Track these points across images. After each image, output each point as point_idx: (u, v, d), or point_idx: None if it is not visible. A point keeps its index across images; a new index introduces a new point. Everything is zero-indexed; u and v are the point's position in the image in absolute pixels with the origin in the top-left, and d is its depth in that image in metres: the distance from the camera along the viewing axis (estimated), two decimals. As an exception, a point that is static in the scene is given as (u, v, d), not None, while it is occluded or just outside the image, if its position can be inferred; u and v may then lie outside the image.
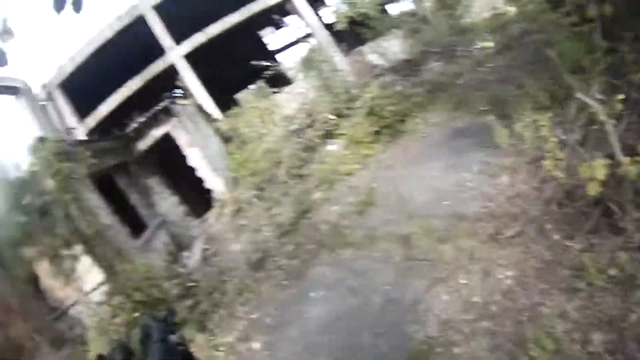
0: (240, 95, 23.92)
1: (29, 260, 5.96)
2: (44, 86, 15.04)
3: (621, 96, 4.53)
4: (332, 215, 6.79)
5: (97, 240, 6.82)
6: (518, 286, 3.39)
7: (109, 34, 14.35)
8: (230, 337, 5.50)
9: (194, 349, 5.31)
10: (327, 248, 5.93)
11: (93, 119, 14.98)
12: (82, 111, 15.08)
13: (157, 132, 10.59)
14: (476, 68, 9.63)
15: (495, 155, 5.19)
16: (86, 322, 6.69)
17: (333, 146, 9.29)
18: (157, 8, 14.29)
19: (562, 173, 3.59)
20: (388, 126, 8.50)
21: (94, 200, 7.70)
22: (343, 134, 9.04)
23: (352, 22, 11.82)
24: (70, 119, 14.96)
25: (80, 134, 14.83)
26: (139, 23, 14.27)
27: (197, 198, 11.63)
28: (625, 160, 3.05)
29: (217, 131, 13.41)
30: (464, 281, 3.81)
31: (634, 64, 4.44)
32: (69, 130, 14.80)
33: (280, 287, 5.90)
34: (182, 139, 10.48)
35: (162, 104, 10.36)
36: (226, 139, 13.30)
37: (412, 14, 13.00)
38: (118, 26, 14.29)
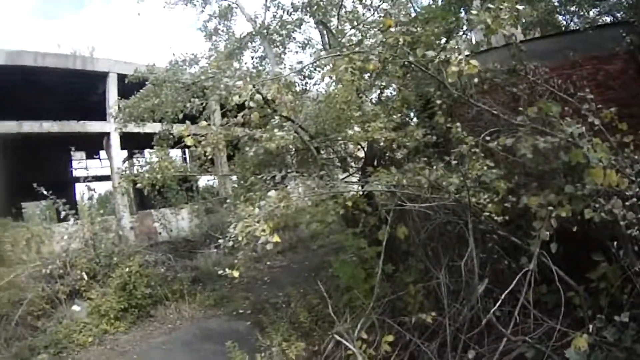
0: (27, 205, 19.30)
1: None
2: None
3: (390, 337, 4.15)
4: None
5: None
6: None
7: None
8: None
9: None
10: None
11: None
12: None
13: None
14: (257, 262, 9.33)
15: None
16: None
17: (78, 308, 8.15)
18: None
19: None
20: (138, 307, 7.73)
21: None
22: (92, 299, 7.92)
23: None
24: None
25: None
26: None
27: None
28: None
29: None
30: None
31: (414, 298, 4.28)
32: None
33: None
34: None
35: None
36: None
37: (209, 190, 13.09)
38: None
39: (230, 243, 3.52)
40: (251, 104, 3.87)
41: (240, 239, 3.37)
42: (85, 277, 8.64)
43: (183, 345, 6.14)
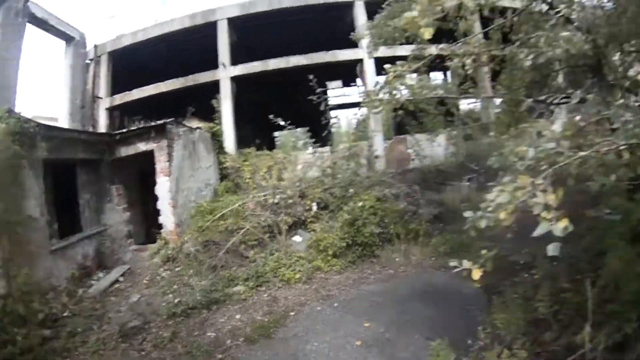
0: (280, 133, 23.27)
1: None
2: (95, 47, 15.11)
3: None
4: (228, 324, 5.62)
5: (7, 229, 6.04)
6: None
7: (176, 26, 14.38)
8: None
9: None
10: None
11: (120, 98, 14.80)
12: (117, 86, 14.94)
13: (142, 146, 9.45)
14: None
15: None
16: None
17: (299, 239, 8.05)
18: (231, 22, 14.05)
19: None
20: (363, 245, 7.16)
21: (34, 188, 6.97)
22: (315, 231, 7.76)
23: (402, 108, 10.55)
24: (103, 87, 14.91)
25: (102, 106, 14.82)
26: (208, 28, 14.09)
27: (154, 225, 10.09)
28: None
29: (220, 164, 12.62)
30: None
31: None
32: (94, 98, 14.82)
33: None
34: (160, 164, 9.20)
35: (160, 122, 9.19)
36: (224, 176, 12.47)
37: (470, 115, 11.45)
38: (188, 23, 14.33)
39: (483, 223, 2.43)
40: None
41: (502, 217, 2.29)
42: (315, 207, 8.24)
43: (392, 303, 5.41)
